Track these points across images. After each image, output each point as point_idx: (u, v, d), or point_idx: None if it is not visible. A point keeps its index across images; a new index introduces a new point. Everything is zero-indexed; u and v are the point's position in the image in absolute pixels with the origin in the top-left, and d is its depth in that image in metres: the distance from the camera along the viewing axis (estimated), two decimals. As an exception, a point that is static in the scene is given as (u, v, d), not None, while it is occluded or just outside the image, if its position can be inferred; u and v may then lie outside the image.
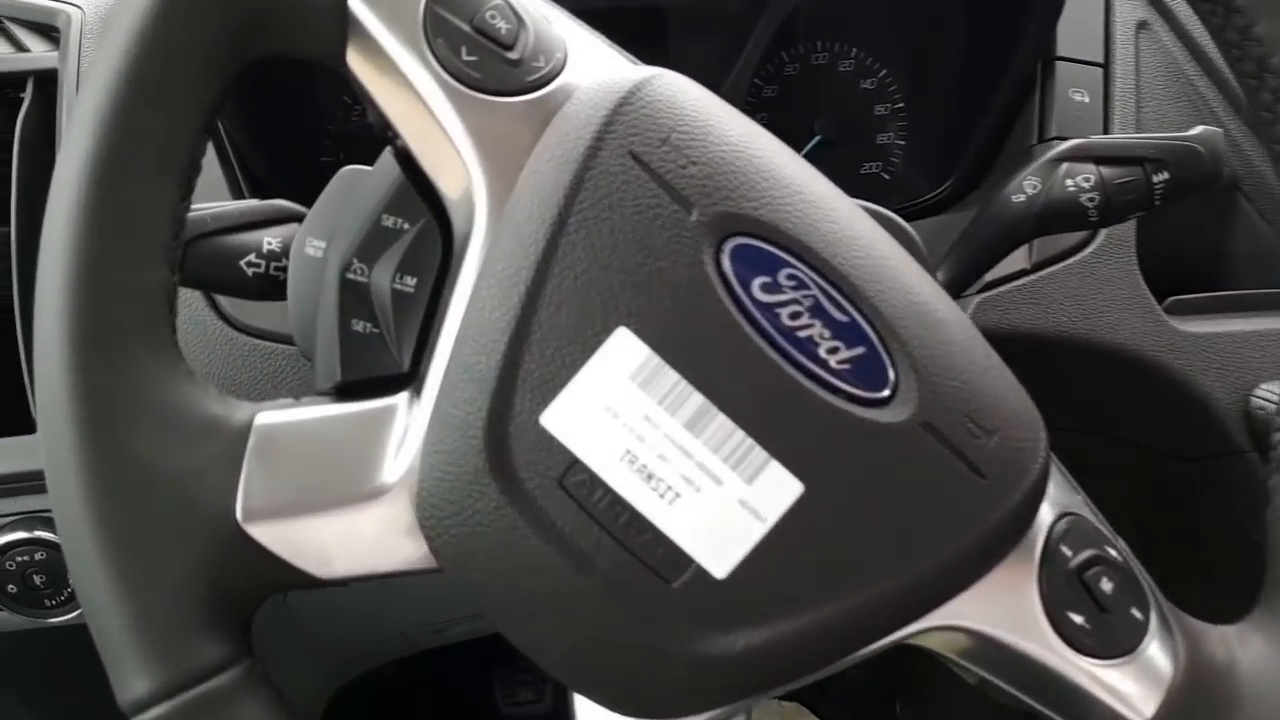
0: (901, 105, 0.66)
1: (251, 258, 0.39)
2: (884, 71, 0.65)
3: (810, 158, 0.67)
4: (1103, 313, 0.56)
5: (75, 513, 0.28)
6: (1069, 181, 0.45)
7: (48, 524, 0.53)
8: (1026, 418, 0.33)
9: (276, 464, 0.30)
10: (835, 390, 0.31)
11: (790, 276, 0.31)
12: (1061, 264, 0.56)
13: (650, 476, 0.30)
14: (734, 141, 0.32)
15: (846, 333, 0.31)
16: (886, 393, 0.31)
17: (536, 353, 0.30)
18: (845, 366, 0.31)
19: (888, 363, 0.32)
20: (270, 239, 0.39)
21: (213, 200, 0.40)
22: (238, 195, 0.55)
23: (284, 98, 0.63)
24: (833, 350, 0.31)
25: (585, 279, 0.30)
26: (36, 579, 0.53)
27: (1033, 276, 0.55)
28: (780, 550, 0.30)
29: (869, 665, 0.34)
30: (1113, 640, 0.34)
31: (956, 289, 0.51)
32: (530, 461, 0.30)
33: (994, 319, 0.55)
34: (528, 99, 0.32)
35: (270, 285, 0.39)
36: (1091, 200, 0.45)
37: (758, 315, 0.31)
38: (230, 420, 0.30)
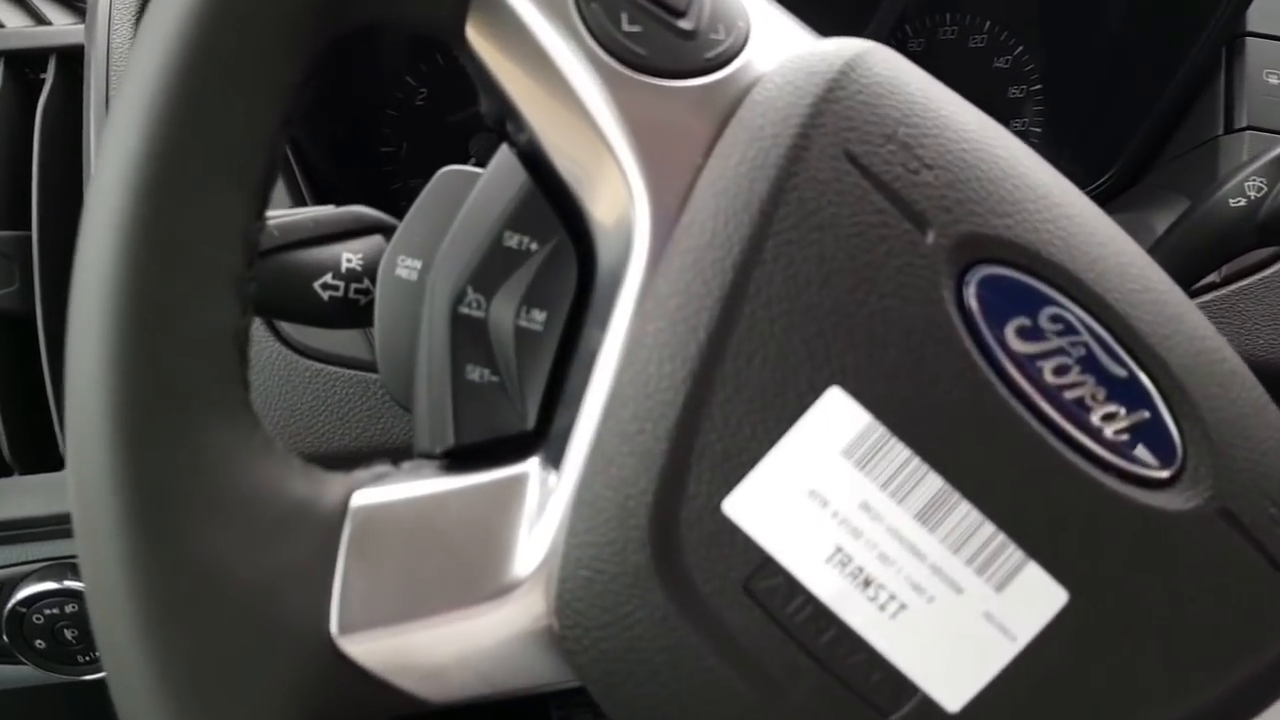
0: (1039, 88, 0.58)
1: (327, 278, 0.31)
2: (1020, 49, 0.58)
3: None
4: (1304, 334, 0.48)
5: (124, 633, 0.21)
6: (1305, 183, 0.37)
7: (79, 571, 0.47)
8: None
9: (380, 559, 0.23)
10: (1111, 468, 0.24)
11: (1055, 318, 0.24)
12: (1257, 276, 0.48)
13: (867, 582, 0.23)
14: (975, 138, 0.24)
15: (1125, 392, 0.24)
16: (1173, 470, 0.24)
17: (719, 419, 0.23)
18: (1123, 437, 0.24)
19: (1174, 431, 0.24)
20: (350, 255, 0.32)
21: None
22: (296, 198, 0.48)
23: (336, 74, 0.55)
24: (1109, 416, 0.24)
25: (786, 322, 0.23)
26: (67, 633, 0.47)
27: (1222, 291, 0.47)
28: (1033, 677, 0.24)
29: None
30: None
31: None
32: (708, 560, 0.23)
33: (1179, 341, 0.47)
34: (704, 82, 0.24)
35: (350, 312, 0.32)
36: (1334, 205, 0.37)
37: (1012, 370, 0.23)
38: (320, 504, 0.23)
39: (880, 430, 0.23)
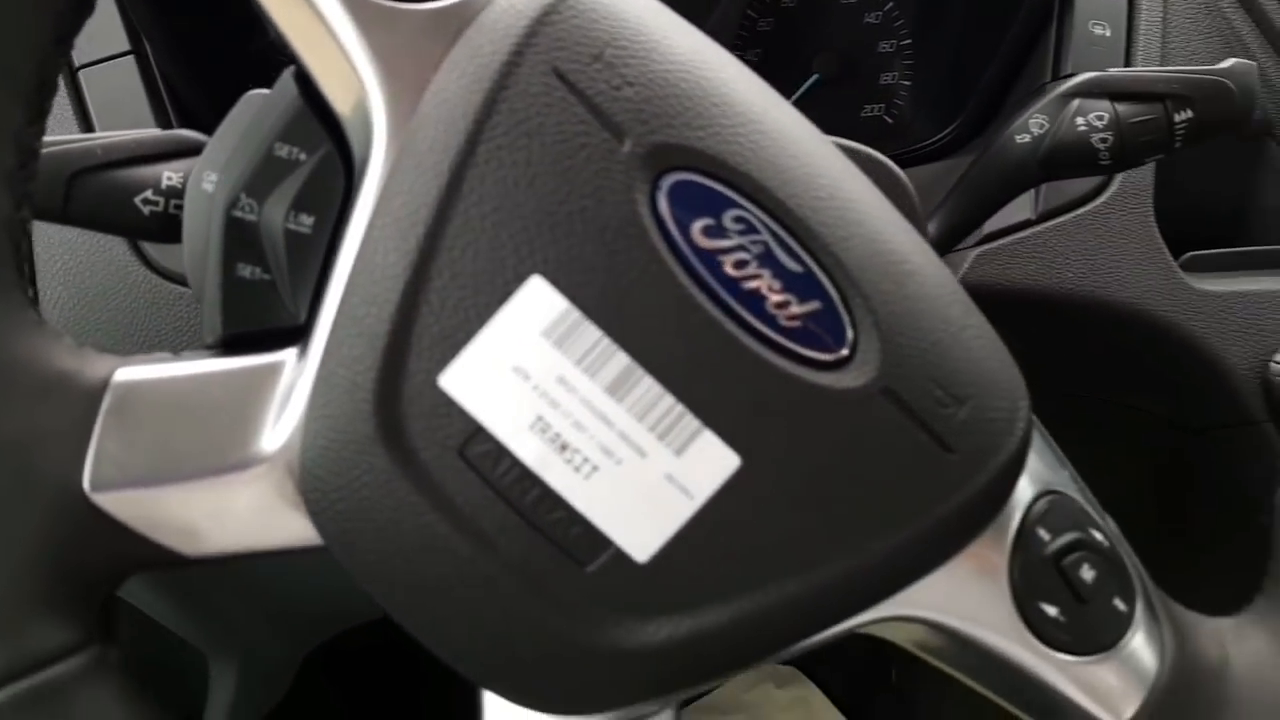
0: (908, 42, 0.60)
1: (148, 194, 0.34)
2: (890, 4, 0.60)
3: (807, 98, 0.62)
4: (1113, 268, 0.51)
5: None
6: (1079, 120, 0.40)
7: None
8: (1005, 385, 0.29)
9: (136, 427, 0.26)
10: (783, 350, 0.27)
11: (738, 219, 0.27)
12: (1070, 214, 0.51)
13: (564, 447, 0.26)
14: (681, 60, 0.27)
15: (800, 285, 0.27)
16: (843, 354, 0.27)
17: (436, 304, 0.26)
18: (796, 324, 0.27)
19: (846, 320, 0.27)
20: (171, 173, 0.35)
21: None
22: (165, 128, 0.51)
23: (203, 16, 0.57)
24: (782, 305, 0.27)
25: (495, 219, 0.26)
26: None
27: (1038, 228, 0.50)
28: (711, 531, 0.27)
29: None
30: (1090, 635, 0.30)
31: (953, 240, 0.46)
32: (426, 429, 0.26)
33: (993, 273, 0.50)
34: (437, 6, 0.27)
35: (170, 226, 0.35)
36: (1104, 141, 0.40)
37: (696, 263, 0.27)
38: (83, 376, 0.26)
39: (576, 314, 0.26)
